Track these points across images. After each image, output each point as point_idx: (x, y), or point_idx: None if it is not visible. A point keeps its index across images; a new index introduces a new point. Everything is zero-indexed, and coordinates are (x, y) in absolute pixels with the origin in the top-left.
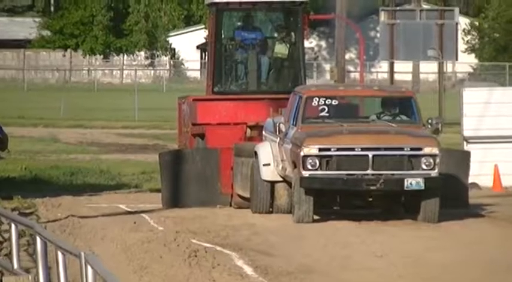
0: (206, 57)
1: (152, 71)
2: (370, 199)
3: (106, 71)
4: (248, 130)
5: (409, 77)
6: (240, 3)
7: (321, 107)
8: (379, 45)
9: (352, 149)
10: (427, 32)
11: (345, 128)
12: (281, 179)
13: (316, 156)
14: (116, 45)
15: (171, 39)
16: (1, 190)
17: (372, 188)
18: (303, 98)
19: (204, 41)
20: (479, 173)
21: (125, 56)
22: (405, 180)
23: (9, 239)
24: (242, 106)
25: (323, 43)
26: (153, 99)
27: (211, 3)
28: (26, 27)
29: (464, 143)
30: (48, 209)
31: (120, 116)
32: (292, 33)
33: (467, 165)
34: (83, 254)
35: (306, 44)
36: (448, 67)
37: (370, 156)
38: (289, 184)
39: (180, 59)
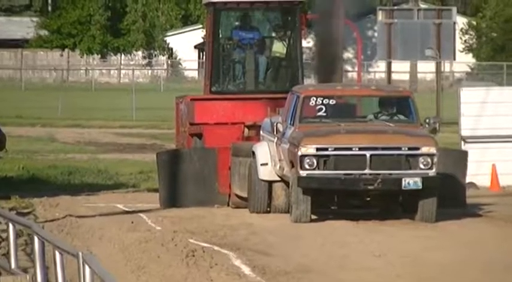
0: (204, 57)
1: (150, 71)
2: (368, 199)
3: (104, 71)
4: (246, 130)
5: (406, 77)
6: (238, 2)
7: (318, 107)
8: (377, 44)
9: (350, 149)
10: (425, 32)
11: (342, 127)
12: (279, 179)
13: (314, 155)
14: (113, 45)
15: (168, 39)
16: None
17: (369, 187)
18: (301, 98)
19: (201, 40)
20: (477, 173)
21: (123, 55)
22: (403, 179)
23: (7, 238)
24: (240, 106)
25: None
26: (151, 99)
27: (209, 3)
28: (23, 26)
29: (462, 142)
30: (46, 209)
31: (118, 115)
32: (290, 33)
33: (464, 165)
34: (80, 253)
35: (304, 43)
36: (446, 67)
37: (368, 155)
38: (287, 184)
39: (178, 58)
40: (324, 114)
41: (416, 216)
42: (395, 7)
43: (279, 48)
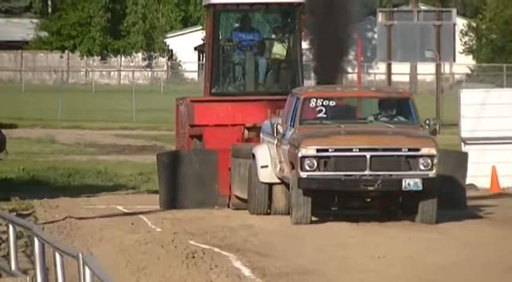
0: (204, 59)
1: (150, 72)
2: (368, 200)
3: (103, 72)
4: (246, 131)
5: (406, 78)
6: (238, 4)
7: (318, 108)
8: (377, 46)
9: (350, 150)
10: (425, 33)
11: (342, 128)
12: (279, 181)
13: (314, 157)
14: (113, 47)
15: (168, 41)
16: None
17: (369, 188)
18: (301, 99)
19: (201, 42)
20: (477, 174)
21: (123, 57)
22: (403, 180)
23: (7, 240)
24: (240, 107)
25: None
26: (151, 101)
27: (209, 5)
28: (23, 28)
29: (462, 144)
30: (46, 210)
31: (118, 117)
32: (290, 34)
33: (465, 167)
34: (80, 255)
35: (304, 45)
36: (446, 68)
37: (368, 156)
38: (287, 186)
39: (178, 60)
40: (324, 115)
41: (416, 217)
42: (395, 9)
43: (278, 49)
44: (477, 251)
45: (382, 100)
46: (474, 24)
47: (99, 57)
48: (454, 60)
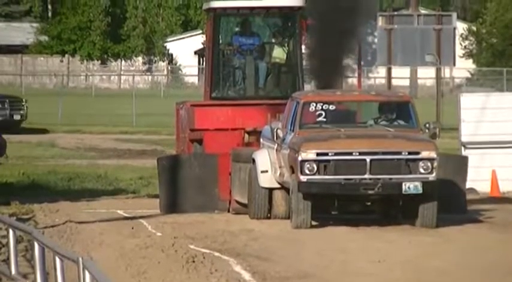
0: (204, 63)
1: (150, 77)
2: (368, 203)
3: (104, 77)
4: (246, 135)
5: (406, 83)
6: (238, 8)
7: (318, 112)
8: (377, 50)
9: (350, 154)
10: (425, 37)
11: (342, 132)
12: (279, 186)
13: (314, 160)
14: (113, 51)
15: (168, 45)
16: None
17: (369, 192)
18: (300, 104)
19: (201, 46)
20: (477, 179)
21: (123, 61)
22: (403, 184)
23: (7, 244)
24: (240, 111)
25: None
26: (151, 105)
27: (209, 9)
28: (23, 32)
29: (462, 148)
30: (46, 215)
31: (118, 121)
32: (290, 39)
33: (465, 171)
34: (80, 259)
35: (304, 49)
36: (446, 72)
37: (368, 160)
38: (287, 191)
39: (178, 64)
40: (324, 119)
41: (416, 221)
42: (395, 13)
43: (279, 53)
44: (477, 255)
45: (382, 104)
46: (474, 28)
47: (99, 62)
48: (454, 64)
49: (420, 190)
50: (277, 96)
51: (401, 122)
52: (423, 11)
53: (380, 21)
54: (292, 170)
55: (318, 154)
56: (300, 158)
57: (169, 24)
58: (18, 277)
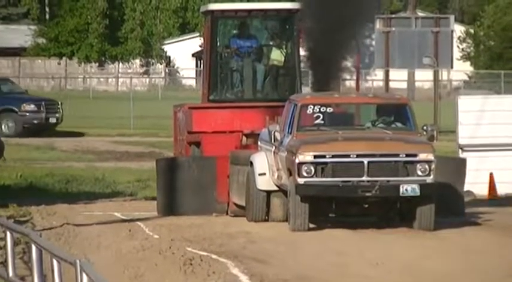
0: (201, 65)
1: (147, 79)
2: (366, 206)
3: (101, 79)
4: (244, 138)
5: (404, 85)
6: (236, 11)
7: (316, 115)
8: (375, 53)
9: (348, 156)
10: (423, 40)
11: (340, 135)
12: (277, 189)
13: (312, 163)
14: (111, 53)
15: (166, 47)
16: None
17: (367, 194)
18: (298, 106)
19: (199, 49)
20: (474, 181)
21: (120, 63)
22: (401, 186)
23: (5, 247)
24: (238, 114)
25: None
26: (149, 107)
27: (207, 11)
28: (21, 35)
29: (460, 151)
30: (44, 217)
31: (116, 123)
32: (288, 41)
33: (463, 173)
34: (78, 261)
35: (302, 51)
36: (444, 75)
37: (366, 162)
38: (285, 193)
39: (176, 67)
40: (322, 122)
41: (414, 223)
42: (393, 15)
43: (277, 56)
44: (475, 258)
45: (379, 106)
46: (472, 31)
47: (97, 64)
48: (452, 67)
49: (418, 192)
50: (275, 99)
51: (399, 125)
52: (421, 14)
53: (378, 24)
54: (290, 173)
55: (315, 156)
56: (297, 161)
57: (167, 27)
58: (15, 279)
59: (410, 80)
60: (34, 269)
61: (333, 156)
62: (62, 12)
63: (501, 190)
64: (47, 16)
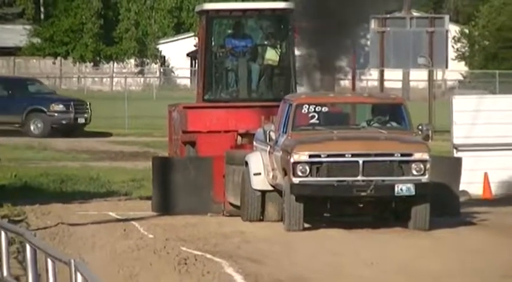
0: (196, 65)
1: (142, 79)
2: (361, 205)
3: (96, 79)
4: (239, 138)
5: (399, 85)
6: (230, 10)
7: (311, 115)
8: (370, 53)
9: (343, 155)
10: (417, 40)
11: (335, 134)
12: (271, 188)
13: (307, 162)
14: (106, 53)
15: (161, 47)
16: None
17: (362, 193)
18: (293, 106)
19: (194, 48)
20: (469, 181)
21: (115, 63)
22: (396, 185)
23: None
24: (233, 114)
25: None
26: (144, 107)
27: (202, 11)
28: (16, 34)
29: (454, 150)
30: (38, 217)
31: (111, 123)
32: (283, 41)
33: (458, 173)
34: (72, 261)
35: (296, 51)
36: (438, 75)
37: (361, 162)
38: (280, 193)
39: (170, 66)
40: (317, 121)
41: (409, 223)
42: (388, 15)
43: (271, 56)
44: (471, 258)
45: (375, 106)
46: (467, 31)
47: (92, 64)
48: (447, 67)
49: (413, 192)
50: (270, 99)
51: (394, 124)
52: (416, 14)
53: (373, 24)
54: (285, 172)
55: (310, 156)
56: (292, 160)
57: (161, 27)
58: (10, 279)
59: (405, 79)
60: (28, 269)
61: (328, 156)
62: (57, 12)
63: (496, 190)
64: (42, 16)
